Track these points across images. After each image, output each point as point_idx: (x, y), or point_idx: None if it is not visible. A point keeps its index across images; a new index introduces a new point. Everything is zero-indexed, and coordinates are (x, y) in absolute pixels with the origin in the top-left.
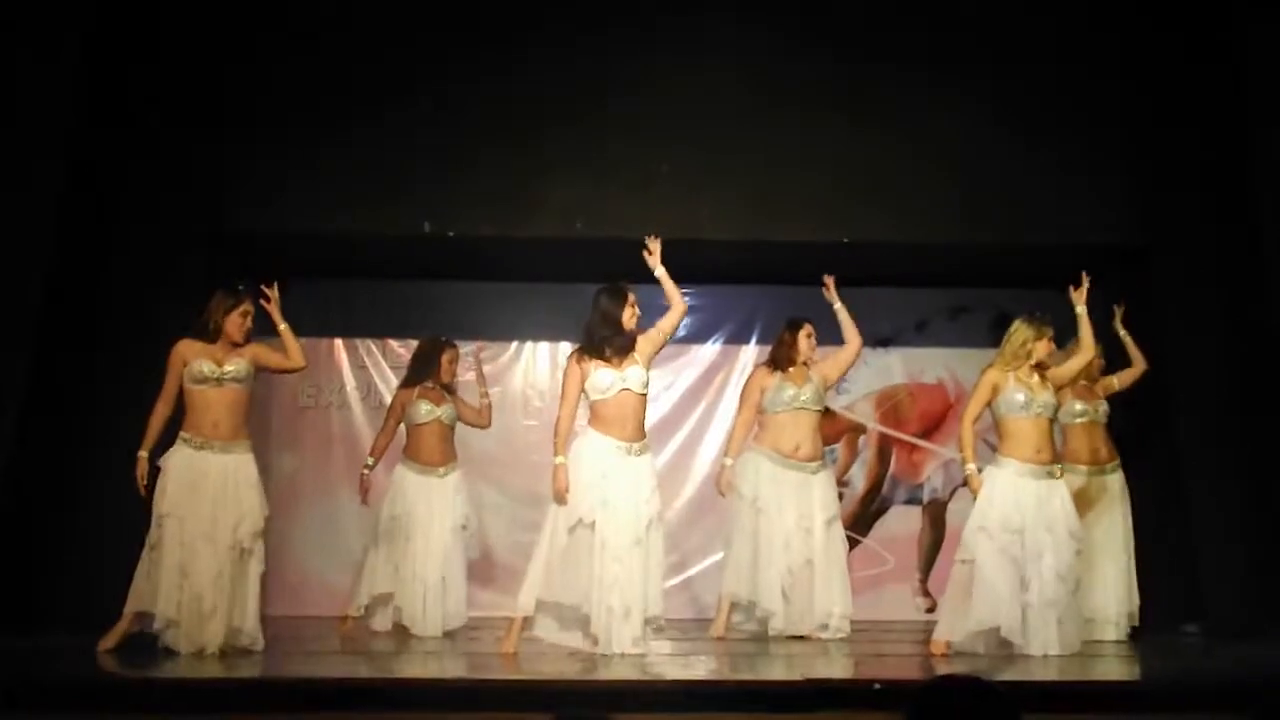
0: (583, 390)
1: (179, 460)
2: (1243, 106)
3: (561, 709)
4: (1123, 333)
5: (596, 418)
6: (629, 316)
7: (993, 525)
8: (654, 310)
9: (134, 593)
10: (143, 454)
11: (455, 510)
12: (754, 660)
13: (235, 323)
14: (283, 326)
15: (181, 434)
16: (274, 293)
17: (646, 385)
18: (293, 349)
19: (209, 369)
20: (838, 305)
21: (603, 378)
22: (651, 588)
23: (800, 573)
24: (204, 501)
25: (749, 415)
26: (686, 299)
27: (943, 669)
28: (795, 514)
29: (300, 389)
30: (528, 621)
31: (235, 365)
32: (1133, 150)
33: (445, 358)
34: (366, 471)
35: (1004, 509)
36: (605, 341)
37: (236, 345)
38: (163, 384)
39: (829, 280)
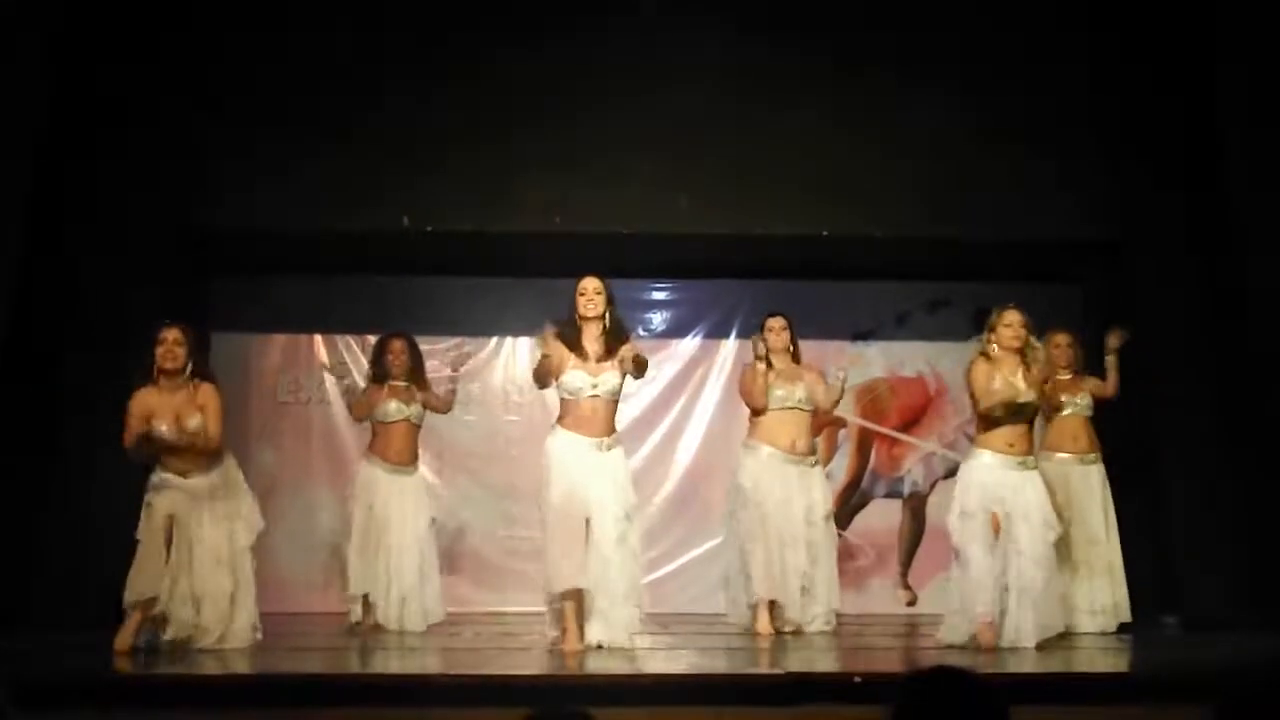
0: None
1: (161, 484)
2: (1218, 101)
3: (541, 704)
4: (1111, 358)
5: (565, 415)
6: (582, 305)
7: (972, 506)
8: (632, 305)
9: (130, 586)
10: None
11: (426, 506)
12: (735, 654)
13: (163, 356)
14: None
15: (159, 467)
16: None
17: (618, 393)
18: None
19: (171, 433)
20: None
21: (574, 379)
22: (629, 582)
23: (810, 567)
24: (197, 507)
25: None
26: (666, 294)
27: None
28: (803, 508)
29: (280, 384)
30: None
31: (196, 421)
32: (1108, 145)
33: (389, 351)
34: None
35: (981, 491)
36: (566, 334)
37: (185, 380)
38: (125, 426)
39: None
